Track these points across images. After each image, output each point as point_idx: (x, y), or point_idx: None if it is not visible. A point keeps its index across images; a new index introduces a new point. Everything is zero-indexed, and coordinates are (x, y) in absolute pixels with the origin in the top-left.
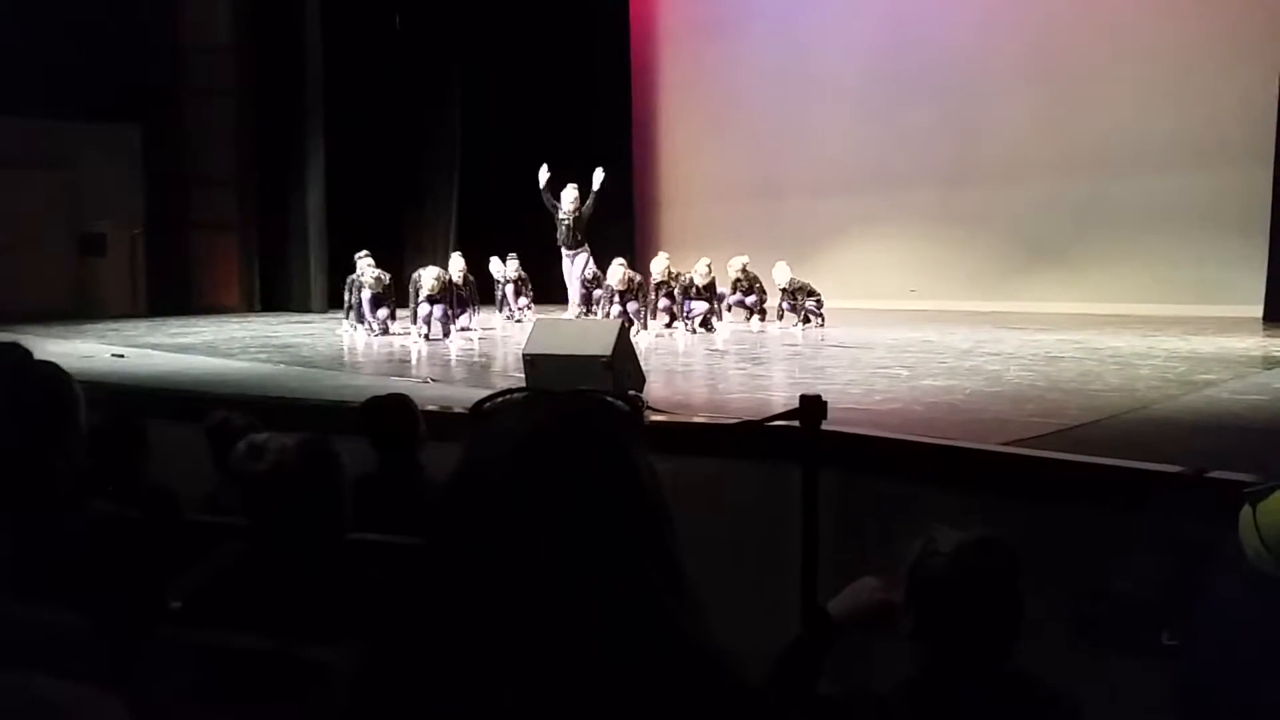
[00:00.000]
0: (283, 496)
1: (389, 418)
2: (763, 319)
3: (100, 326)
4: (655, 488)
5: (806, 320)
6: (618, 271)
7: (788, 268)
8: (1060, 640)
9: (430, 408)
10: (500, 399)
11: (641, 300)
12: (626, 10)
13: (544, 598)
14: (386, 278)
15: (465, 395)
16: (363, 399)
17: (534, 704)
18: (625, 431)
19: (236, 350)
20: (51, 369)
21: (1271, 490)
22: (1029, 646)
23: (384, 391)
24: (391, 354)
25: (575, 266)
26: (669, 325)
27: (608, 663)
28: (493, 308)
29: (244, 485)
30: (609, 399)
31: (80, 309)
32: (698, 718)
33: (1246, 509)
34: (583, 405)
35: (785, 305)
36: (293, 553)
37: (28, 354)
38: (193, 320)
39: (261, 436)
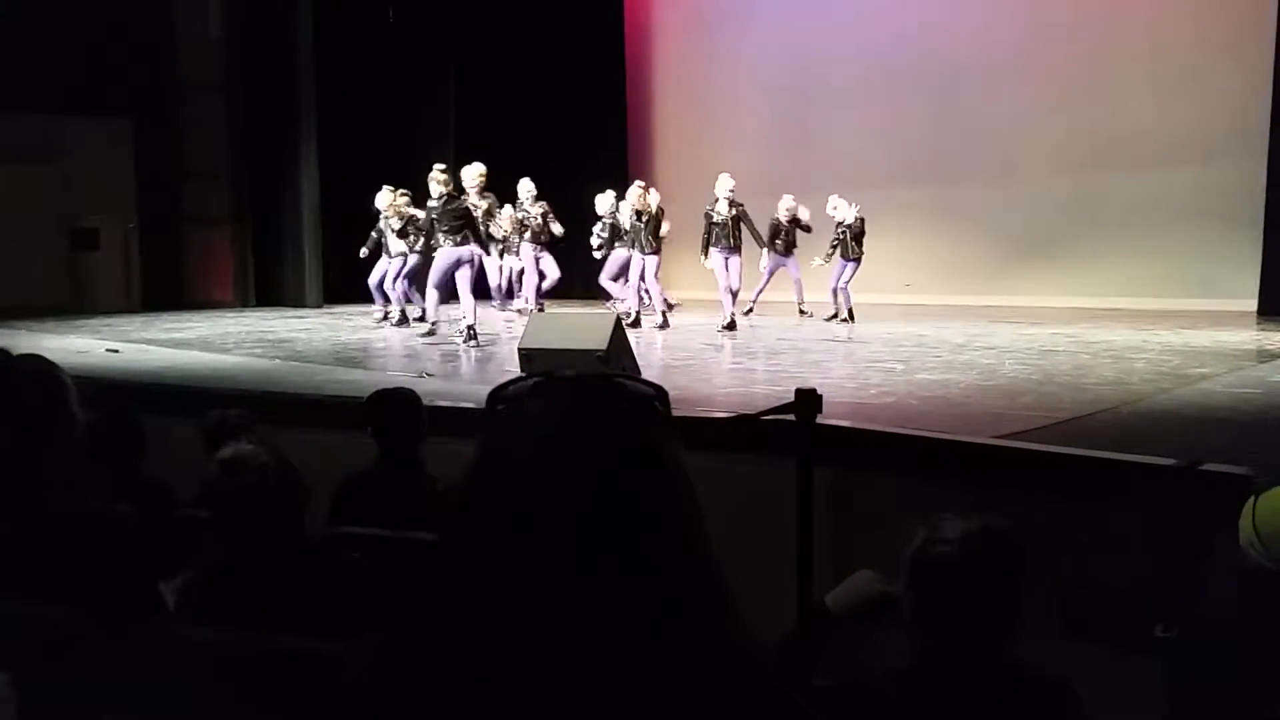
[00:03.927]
0: (241, 506)
1: (393, 412)
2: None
3: (94, 322)
4: (685, 478)
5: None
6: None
7: (846, 203)
8: (1053, 632)
9: (427, 402)
10: (521, 384)
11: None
12: (620, 4)
13: (567, 595)
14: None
15: (463, 390)
16: (359, 393)
17: (558, 705)
18: (654, 420)
19: (231, 345)
20: (38, 363)
21: (1267, 488)
22: (1022, 638)
23: (379, 386)
24: (388, 347)
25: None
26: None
27: (634, 666)
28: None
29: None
30: (635, 384)
31: (74, 304)
32: None
33: (1251, 498)
34: (609, 392)
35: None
36: (265, 552)
37: (6, 354)
38: (187, 315)
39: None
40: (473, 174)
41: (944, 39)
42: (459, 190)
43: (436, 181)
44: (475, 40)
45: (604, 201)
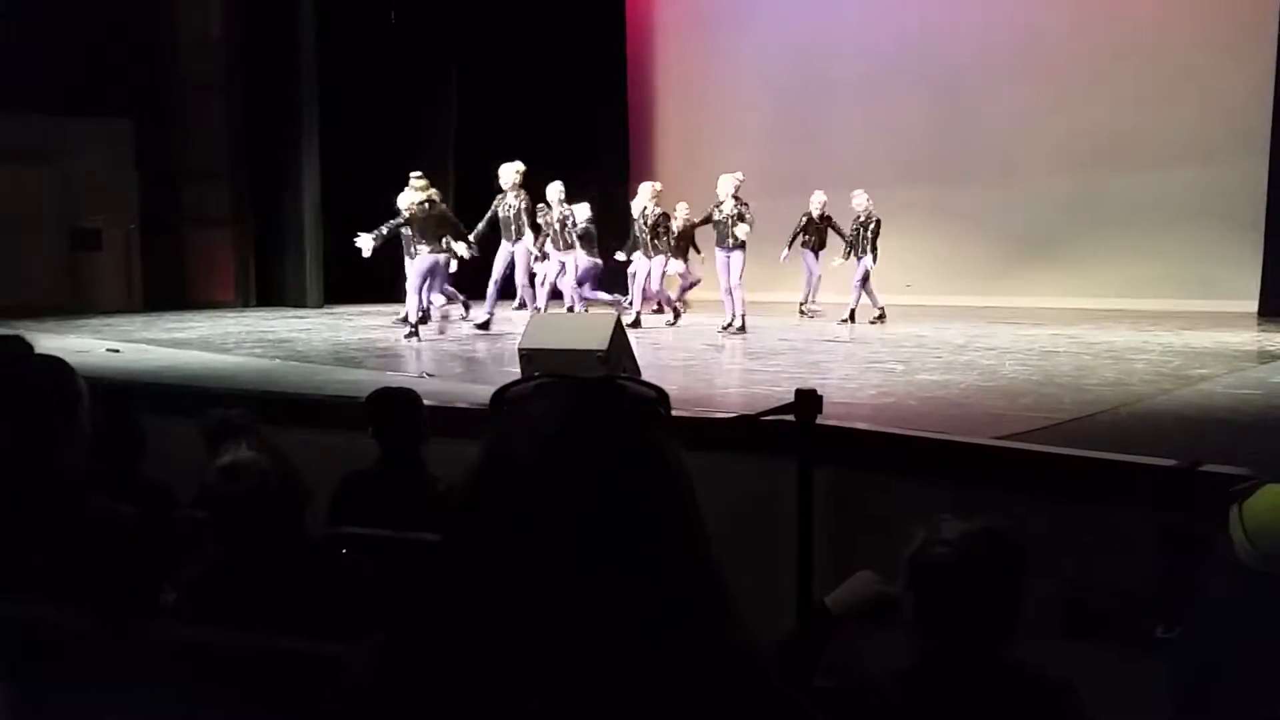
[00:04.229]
0: (241, 512)
1: (394, 412)
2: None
3: (95, 322)
4: (686, 479)
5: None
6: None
7: (865, 196)
8: (1054, 633)
9: (427, 402)
10: (524, 385)
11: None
12: (622, 4)
13: (569, 595)
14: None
15: (462, 390)
16: (359, 393)
17: (561, 706)
18: (655, 422)
19: (232, 345)
20: (54, 363)
21: (1257, 487)
22: (1023, 639)
23: (380, 386)
24: (387, 348)
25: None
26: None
27: (636, 667)
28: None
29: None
30: (636, 386)
31: (75, 304)
32: None
33: (1235, 505)
34: (611, 393)
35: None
36: (266, 554)
37: (29, 346)
38: (188, 315)
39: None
40: (511, 171)
41: (944, 38)
42: (438, 198)
43: (415, 189)
44: (477, 40)
45: (581, 211)
